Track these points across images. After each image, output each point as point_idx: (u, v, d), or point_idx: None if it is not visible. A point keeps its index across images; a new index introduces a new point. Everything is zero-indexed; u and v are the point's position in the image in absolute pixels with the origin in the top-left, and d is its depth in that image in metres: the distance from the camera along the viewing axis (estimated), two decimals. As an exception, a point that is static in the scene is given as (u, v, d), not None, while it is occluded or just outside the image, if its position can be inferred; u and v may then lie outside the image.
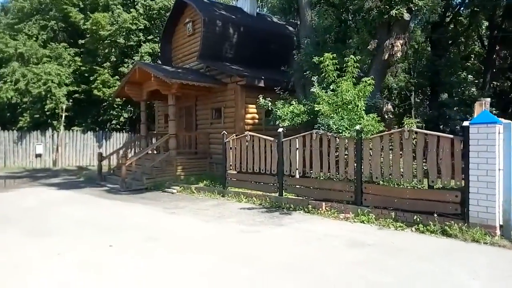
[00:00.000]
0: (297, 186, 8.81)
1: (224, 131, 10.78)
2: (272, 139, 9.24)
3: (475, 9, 15.37)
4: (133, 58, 25.05)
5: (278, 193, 9.00)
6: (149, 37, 25.65)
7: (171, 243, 5.86)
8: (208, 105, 14.34)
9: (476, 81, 17.34)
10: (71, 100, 24.68)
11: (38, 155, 22.72)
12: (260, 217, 7.72)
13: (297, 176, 8.88)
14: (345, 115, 7.75)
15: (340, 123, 8.93)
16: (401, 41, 9.15)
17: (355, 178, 7.55)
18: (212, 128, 14.13)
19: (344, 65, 8.20)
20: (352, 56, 8.11)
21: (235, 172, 10.42)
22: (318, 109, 9.64)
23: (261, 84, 12.75)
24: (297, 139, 8.66)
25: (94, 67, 24.65)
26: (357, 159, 7.48)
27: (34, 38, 25.14)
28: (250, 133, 9.80)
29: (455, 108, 15.01)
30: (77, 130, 24.57)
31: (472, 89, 15.97)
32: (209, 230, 6.75)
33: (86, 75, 25.32)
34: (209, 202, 9.67)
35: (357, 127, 7.49)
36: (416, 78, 17.34)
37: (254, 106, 13.06)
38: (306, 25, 11.64)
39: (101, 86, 24.05)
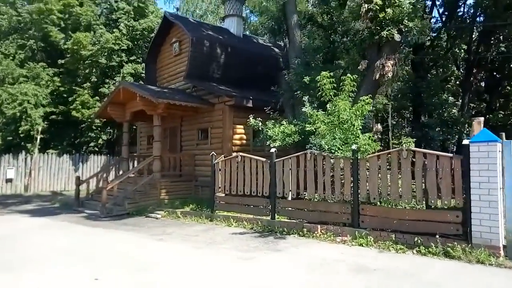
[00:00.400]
0: (290, 209, 8.50)
1: (213, 152, 10.44)
2: (264, 159, 8.96)
3: (454, 33, 15.91)
4: (115, 78, 24.60)
5: (270, 216, 8.66)
6: (132, 58, 25.33)
7: (166, 274, 5.36)
8: (194, 125, 14.00)
9: (457, 102, 17.79)
10: (47, 122, 23.78)
11: (9, 180, 21.50)
12: (254, 242, 7.33)
13: (290, 198, 8.59)
14: (342, 134, 7.59)
15: (333, 143, 8.77)
16: (392, 62, 9.22)
17: (351, 199, 7.33)
18: (198, 150, 13.75)
19: (341, 84, 8.11)
20: (349, 75, 8.05)
21: (224, 195, 10.03)
22: (309, 129, 9.50)
23: (249, 104, 12.57)
24: (290, 160, 8.42)
25: (73, 87, 23.99)
26: (354, 179, 7.27)
27: (10, 57, 24.37)
28: (241, 153, 9.50)
29: (437, 129, 15.24)
30: (52, 153, 23.56)
31: (453, 110, 16.33)
32: (204, 258, 6.29)
33: (65, 95, 24.57)
34: (197, 227, 9.19)
35: (354, 146, 7.33)
36: (397, 100, 17.62)
37: (242, 126, 12.84)
38: (295, 46, 11.66)
39: (80, 107, 23.34)
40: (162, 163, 13.01)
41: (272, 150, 8.81)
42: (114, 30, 24.79)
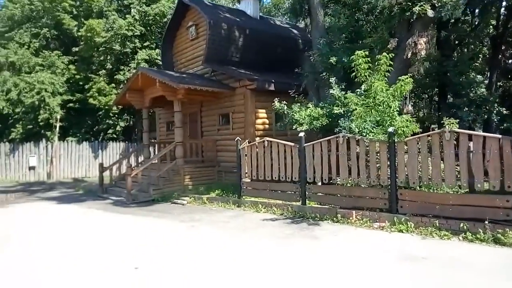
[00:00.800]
0: (322, 194, 8.29)
1: (238, 138, 10.22)
2: (292, 144, 8.72)
3: (481, 9, 15.17)
4: (129, 65, 24.45)
5: (300, 202, 8.47)
6: (145, 44, 25.05)
7: (215, 263, 5.21)
8: (215, 111, 13.78)
9: (485, 81, 17.11)
10: (64, 110, 23.88)
11: (32, 168, 21.84)
12: (288, 229, 7.16)
13: (321, 183, 8.36)
14: (378, 116, 7.26)
15: (364, 125, 8.48)
16: (425, 39, 8.76)
17: (388, 183, 7.06)
18: (219, 135, 13.56)
19: (376, 63, 7.72)
20: (384, 54, 7.66)
21: (250, 180, 9.85)
22: (338, 111, 9.22)
23: (271, 87, 12.26)
24: (321, 143, 8.15)
25: (89, 75, 23.95)
26: (391, 163, 6.99)
27: (25, 47, 24.36)
28: (268, 138, 9.27)
29: (465, 109, 14.71)
30: (71, 141, 23.75)
31: (482, 89, 15.71)
32: (245, 244, 6.13)
33: (81, 83, 24.60)
34: (225, 213, 9.08)
35: (390, 129, 7.02)
36: (422, 80, 17.05)
37: (264, 111, 12.57)
38: (318, 26, 11.22)
39: (96, 94, 23.34)
40: (184, 149, 12.88)
41: (301, 134, 8.55)
42: (126, 16, 24.49)
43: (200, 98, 13.34)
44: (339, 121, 9.28)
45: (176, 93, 12.49)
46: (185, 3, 15.02)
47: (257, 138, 9.34)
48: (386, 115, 7.17)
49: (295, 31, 17.04)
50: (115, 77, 24.22)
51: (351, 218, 7.33)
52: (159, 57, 25.05)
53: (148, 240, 6.61)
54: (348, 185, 7.80)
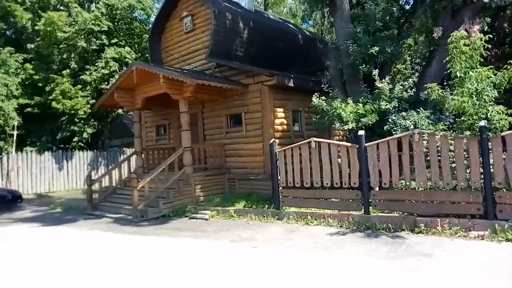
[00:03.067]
0: (390, 201, 7.29)
1: (274, 140, 8.92)
2: (349, 144, 7.65)
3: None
4: (95, 64, 22.01)
5: (363, 211, 7.41)
6: (113, 41, 22.69)
7: None
8: (220, 111, 12.32)
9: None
10: (21, 116, 20.89)
11: (-16, 183, 18.76)
12: (372, 244, 6.08)
13: (378, 188, 7.37)
14: (471, 108, 6.36)
15: (423, 122, 7.67)
16: (478, 27, 8.12)
17: (482, 185, 6.23)
18: (228, 138, 12.13)
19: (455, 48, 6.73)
20: (480, 35, 6.81)
21: (290, 188, 8.61)
22: (386, 106, 8.33)
23: (291, 83, 11.10)
24: (388, 143, 7.15)
25: (50, 75, 21.13)
26: (485, 162, 6.16)
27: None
28: (316, 139, 8.10)
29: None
30: (31, 151, 20.83)
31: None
32: (354, 271, 4.89)
33: (40, 85, 21.71)
34: (270, 228, 7.77)
35: (482, 122, 6.19)
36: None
37: (281, 110, 11.38)
38: (343, 14, 10.27)
39: (60, 97, 20.64)
40: (193, 156, 11.30)
41: (361, 132, 7.49)
42: (90, 9, 22.03)
43: (206, 97, 11.82)
44: (388, 117, 8.42)
45: (182, 91, 10.93)
46: (177, -9, 13.44)
47: (311, 138, 8.11)
48: (478, 107, 6.31)
49: (292, 26, 16.06)
50: (80, 77, 21.67)
51: (437, 227, 6.40)
52: (129, 56, 22.95)
53: (226, 276, 5.14)
54: (427, 189, 6.88)
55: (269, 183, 10.73)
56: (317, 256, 5.59)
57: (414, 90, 8.56)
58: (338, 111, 8.64)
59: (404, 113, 8.29)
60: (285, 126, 11.45)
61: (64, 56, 21.19)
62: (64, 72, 21.05)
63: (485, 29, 9.64)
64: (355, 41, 9.32)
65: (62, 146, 22.43)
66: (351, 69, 9.78)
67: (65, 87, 20.61)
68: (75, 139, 22.08)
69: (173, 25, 14.09)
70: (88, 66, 21.95)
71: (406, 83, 8.58)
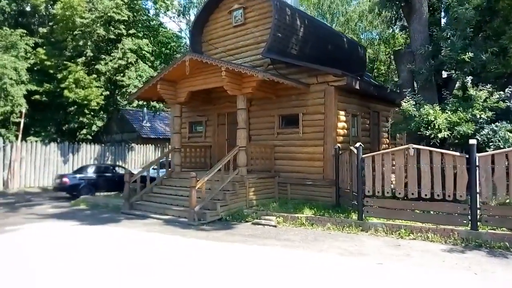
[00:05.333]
0: (505, 217, 6.70)
1: (360, 144, 8.21)
2: (458, 154, 7.05)
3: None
4: (111, 54, 20.88)
5: (469, 226, 6.80)
6: (130, 32, 21.63)
7: None
8: (272, 111, 11.58)
9: None
10: (28, 103, 19.47)
11: (-17, 174, 17.32)
12: (504, 265, 5.44)
13: (493, 202, 6.81)
14: None
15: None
16: None
17: None
18: (280, 140, 11.38)
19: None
20: None
21: (375, 198, 7.93)
22: (484, 116, 7.83)
23: (357, 86, 10.50)
24: (507, 155, 6.59)
25: (64, 62, 19.85)
26: None
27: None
28: (414, 145, 7.47)
29: None
30: (35, 141, 19.44)
31: None
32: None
33: (51, 71, 20.39)
34: (366, 240, 7.02)
35: None
36: None
37: (343, 113, 10.76)
38: (422, 18, 9.81)
39: (74, 85, 19.39)
40: (247, 156, 10.46)
41: (472, 141, 6.91)
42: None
43: (260, 95, 11.05)
44: (482, 127, 7.93)
45: (242, 86, 10.16)
46: (225, -18, 12.70)
47: (409, 145, 7.46)
48: None
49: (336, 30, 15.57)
50: (95, 66, 20.49)
51: None
52: (147, 48, 21.98)
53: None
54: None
55: (330, 189, 10.18)
56: (467, 277, 4.91)
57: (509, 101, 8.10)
58: (430, 117, 8.06)
59: (498, 124, 7.84)
60: (345, 131, 10.83)
61: (80, 43, 19.94)
62: (79, 59, 19.80)
63: None
64: (436, 46, 8.84)
65: (69, 137, 21.06)
66: (427, 75, 9.28)
67: (79, 76, 19.41)
68: (84, 131, 20.83)
69: (219, 17, 13.30)
70: (103, 56, 20.80)
71: (502, 92, 8.11)
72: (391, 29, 11.77)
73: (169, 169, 12.06)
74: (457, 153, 7.06)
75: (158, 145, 24.33)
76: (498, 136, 7.59)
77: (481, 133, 7.90)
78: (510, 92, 8.21)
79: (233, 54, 12.75)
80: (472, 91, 8.16)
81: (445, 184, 7.08)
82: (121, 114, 24.73)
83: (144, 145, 23.49)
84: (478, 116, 7.94)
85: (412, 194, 7.39)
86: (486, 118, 7.95)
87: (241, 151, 10.19)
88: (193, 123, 14.15)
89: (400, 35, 20.74)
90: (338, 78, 10.08)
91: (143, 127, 25.65)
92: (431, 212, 7.35)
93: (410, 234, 7.19)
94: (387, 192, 7.66)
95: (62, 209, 11.65)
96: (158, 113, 24.97)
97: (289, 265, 5.50)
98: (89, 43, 20.24)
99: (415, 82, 10.08)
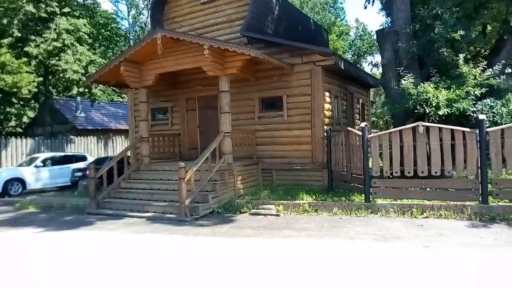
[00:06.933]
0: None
1: (365, 123, 7.85)
2: (468, 129, 7.01)
3: None
4: (42, 35, 18.24)
5: (480, 201, 6.86)
6: (65, 10, 19.05)
7: None
8: (251, 93, 10.84)
9: None
10: None
11: None
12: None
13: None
14: None
15: (521, 109, 7.48)
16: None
17: None
18: (261, 124, 10.71)
19: None
20: None
21: (381, 178, 7.68)
22: (477, 91, 8.00)
23: (342, 66, 10.18)
24: (519, 128, 6.70)
25: (-16, 42, 16.84)
26: None
27: None
28: (424, 123, 7.29)
29: None
30: (-48, 136, 16.38)
31: None
32: None
33: (-33, 54, 17.12)
34: (384, 223, 6.73)
35: None
36: None
37: (328, 94, 10.40)
38: (403, -3, 9.75)
39: (-1, 71, 16.55)
40: (233, 143, 9.60)
41: (481, 116, 6.91)
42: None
43: (241, 76, 10.20)
44: (476, 104, 8.09)
45: (225, 66, 9.25)
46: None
47: (419, 122, 7.24)
48: None
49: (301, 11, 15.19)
50: (24, 49, 17.72)
51: None
52: (85, 28, 19.64)
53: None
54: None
55: (320, 173, 9.83)
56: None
57: (503, 77, 8.36)
58: (428, 95, 8.00)
59: (492, 99, 8.06)
60: (330, 112, 10.50)
61: (5, 21, 17.00)
62: (5, 40, 16.90)
63: None
64: (423, 24, 8.83)
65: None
66: (414, 53, 9.28)
67: (5, 59, 16.57)
68: (12, 123, 18.03)
69: (183, -7, 12.08)
70: (33, 37, 18.06)
71: (491, 69, 8.33)
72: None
73: (137, 161, 10.72)
74: (467, 129, 7.04)
75: (101, 136, 22.07)
76: (495, 111, 7.76)
77: (478, 108, 8.05)
78: (498, 69, 8.48)
79: (203, 34, 11.65)
80: (465, 68, 8.26)
81: (455, 161, 7.05)
82: (50, 104, 21.90)
83: (85, 137, 21.12)
84: (472, 93, 8.08)
85: (422, 172, 7.26)
86: (478, 95, 8.11)
87: (226, 137, 9.32)
88: (155, 110, 12.80)
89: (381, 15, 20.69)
90: (326, 58, 9.66)
91: (77, 117, 23.10)
92: (441, 190, 7.27)
93: (423, 213, 7.06)
94: (396, 172, 7.44)
95: (7, 214, 9.73)
96: (97, 102, 22.67)
97: (338, 258, 4.93)
98: (15, 21, 17.35)
99: (398, 62, 10.04)
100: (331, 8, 40.42)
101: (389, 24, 10.92)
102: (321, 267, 4.49)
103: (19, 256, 5.62)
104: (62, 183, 14.28)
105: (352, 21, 41.81)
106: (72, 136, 20.42)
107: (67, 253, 5.65)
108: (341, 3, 41.07)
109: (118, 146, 22.57)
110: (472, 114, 8.06)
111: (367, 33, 39.49)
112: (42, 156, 14.61)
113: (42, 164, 14.00)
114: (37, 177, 13.81)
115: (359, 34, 40.01)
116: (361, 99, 13.75)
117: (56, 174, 14.22)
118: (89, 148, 21.14)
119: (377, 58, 41.04)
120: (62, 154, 15.88)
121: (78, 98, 22.40)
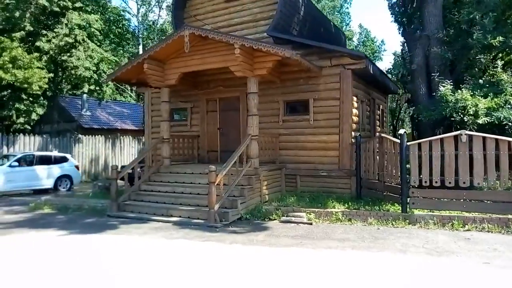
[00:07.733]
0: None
1: (404, 130, 7.58)
2: (513, 140, 6.78)
3: None
4: (54, 30, 17.91)
5: (528, 214, 6.61)
6: (77, 5, 18.72)
7: None
8: (275, 96, 10.56)
9: None
10: None
11: None
12: None
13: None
14: None
15: None
16: None
17: None
18: (285, 128, 10.43)
19: None
20: None
21: (423, 188, 7.41)
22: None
23: (371, 71, 9.93)
24: None
25: (-5, 35, 16.47)
26: None
27: None
28: (466, 132, 7.05)
29: None
30: (-42, 132, 16.01)
31: None
32: None
33: (-23, 47, 16.74)
34: (426, 235, 6.46)
35: None
36: None
37: (355, 99, 10.14)
38: (437, 2, 9.52)
39: (10, 65, 16.17)
40: (260, 146, 9.30)
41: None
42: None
43: (268, 78, 9.90)
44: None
45: (254, 67, 8.97)
46: None
47: (462, 130, 7.00)
48: None
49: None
50: (36, 44, 17.38)
51: None
52: (97, 24, 19.35)
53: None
54: None
55: (347, 180, 9.54)
56: None
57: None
58: (467, 102, 7.76)
59: None
60: (356, 118, 10.24)
61: (16, 14, 16.66)
62: (17, 34, 16.55)
63: None
64: (457, 29, 8.60)
65: (2, 127, 17.67)
66: (447, 59, 9.05)
67: (17, 53, 16.20)
68: (21, 120, 17.63)
69: (205, -8, 11.81)
70: (44, 32, 17.73)
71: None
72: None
73: (157, 162, 10.43)
74: (513, 139, 6.80)
75: (109, 136, 21.71)
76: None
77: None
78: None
79: (226, 33, 11.36)
80: (504, 76, 8.03)
81: (501, 171, 6.80)
82: (57, 101, 21.49)
83: (93, 136, 20.76)
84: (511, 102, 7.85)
85: (464, 183, 7.00)
86: (518, 104, 7.88)
87: (253, 140, 9.02)
88: (173, 110, 12.48)
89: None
90: (357, 61, 9.40)
91: (83, 116, 22.76)
92: (486, 202, 7.01)
93: (465, 225, 6.80)
94: (436, 182, 7.18)
95: (23, 214, 9.41)
96: (105, 100, 22.33)
97: (400, 273, 4.64)
98: (28, 15, 17.01)
99: (429, 67, 9.82)
100: (337, 13, 40.34)
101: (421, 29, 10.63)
102: (384, 284, 4.21)
103: (45, 260, 5.30)
104: (39, 186, 13.25)
105: (355, 27, 41.98)
106: (80, 135, 20.06)
107: (92, 258, 5.33)
108: (347, 8, 40.91)
109: (126, 146, 22.20)
110: (509, 124, 7.83)
111: (370, 39, 39.44)
112: (20, 154, 13.62)
113: (17, 164, 12.80)
114: (10, 178, 12.43)
115: (362, 40, 39.92)
116: (381, 105, 13.51)
117: (33, 176, 13.12)
118: (97, 148, 20.76)
119: (379, 65, 40.84)
120: (42, 153, 14.94)
121: (84, 96, 22.03)
